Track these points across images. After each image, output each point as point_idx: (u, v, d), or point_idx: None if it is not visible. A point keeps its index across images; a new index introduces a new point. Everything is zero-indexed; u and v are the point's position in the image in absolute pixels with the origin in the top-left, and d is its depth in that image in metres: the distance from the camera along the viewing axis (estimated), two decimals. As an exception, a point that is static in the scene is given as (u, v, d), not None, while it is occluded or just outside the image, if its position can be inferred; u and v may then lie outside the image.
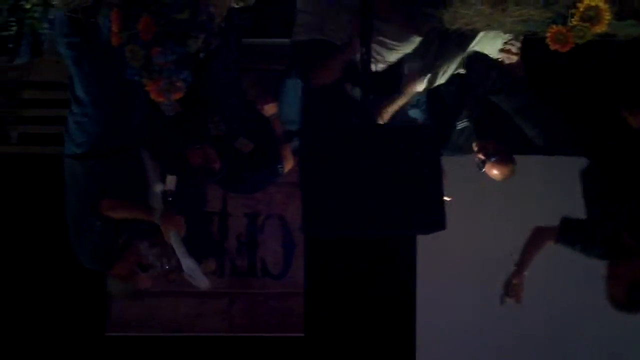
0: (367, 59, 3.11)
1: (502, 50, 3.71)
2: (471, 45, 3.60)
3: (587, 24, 2.88)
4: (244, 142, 3.87)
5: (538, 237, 3.72)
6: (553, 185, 4.66)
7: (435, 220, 3.08)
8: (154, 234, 3.46)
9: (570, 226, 3.62)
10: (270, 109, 3.93)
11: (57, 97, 4.27)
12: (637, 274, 3.32)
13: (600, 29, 2.89)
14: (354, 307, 4.91)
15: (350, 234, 3.65)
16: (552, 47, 2.96)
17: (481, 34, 3.49)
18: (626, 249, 3.40)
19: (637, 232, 3.41)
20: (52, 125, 4.36)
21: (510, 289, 3.67)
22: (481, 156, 3.85)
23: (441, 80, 3.68)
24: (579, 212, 3.68)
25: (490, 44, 3.67)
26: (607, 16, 2.88)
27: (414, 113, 3.73)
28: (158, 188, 3.50)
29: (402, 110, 3.66)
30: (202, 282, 3.60)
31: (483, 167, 3.89)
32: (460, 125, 3.84)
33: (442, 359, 4.98)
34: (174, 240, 3.44)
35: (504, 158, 3.85)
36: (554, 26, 2.93)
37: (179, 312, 4.87)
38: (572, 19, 2.89)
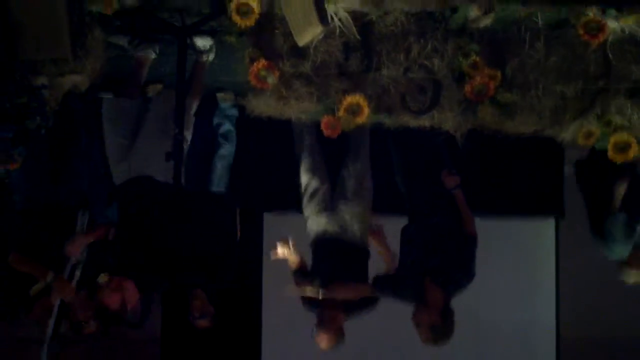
0: (181, 138, 3.72)
1: None
2: None
3: (350, 116, 3.57)
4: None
5: (356, 288, 4.22)
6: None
7: (227, 275, 3.67)
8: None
9: (380, 280, 4.18)
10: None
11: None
12: (432, 319, 3.88)
13: (361, 120, 3.58)
14: (205, 352, 5.38)
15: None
16: (326, 133, 3.64)
17: None
18: (426, 292, 3.94)
19: (438, 277, 3.98)
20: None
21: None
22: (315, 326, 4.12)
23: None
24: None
25: None
26: (366, 110, 3.57)
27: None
28: (73, 259, 3.91)
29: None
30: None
31: (312, 334, 4.17)
32: None
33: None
34: (55, 307, 3.86)
35: (330, 330, 4.09)
36: (326, 116, 3.62)
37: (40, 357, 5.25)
38: (339, 112, 3.58)
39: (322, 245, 4.25)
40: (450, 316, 3.92)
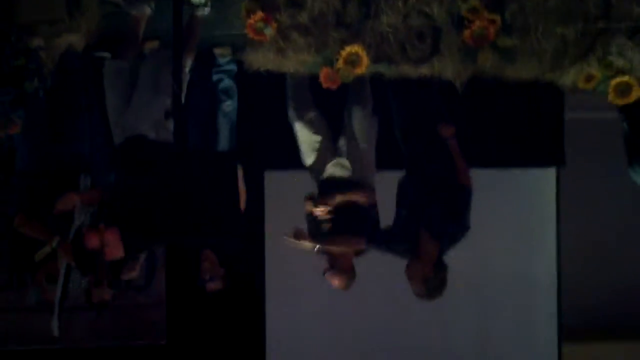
0: (179, 94, 3.68)
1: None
2: None
3: (349, 67, 3.54)
4: None
5: (351, 242, 4.20)
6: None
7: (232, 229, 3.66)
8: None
9: (374, 234, 4.18)
10: None
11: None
12: (425, 271, 3.93)
13: (360, 70, 3.56)
14: (210, 315, 5.37)
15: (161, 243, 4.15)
16: (325, 85, 3.62)
17: None
18: (420, 244, 3.97)
19: (433, 229, 4.01)
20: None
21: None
22: (326, 264, 4.13)
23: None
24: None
25: None
26: (366, 60, 3.55)
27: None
28: (77, 221, 3.84)
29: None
30: (54, 328, 4.01)
31: (324, 274, 4.16)
32: None
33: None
34: (61, 273, 3.84)
35: (341, 270, 4.11)
36: (325, 68, 3.59)
37: (48, 325, 5.25)
38: (338, 63, 3.55)
39: (329, 186, 4.24)
40: (443, 270, 3.96)
